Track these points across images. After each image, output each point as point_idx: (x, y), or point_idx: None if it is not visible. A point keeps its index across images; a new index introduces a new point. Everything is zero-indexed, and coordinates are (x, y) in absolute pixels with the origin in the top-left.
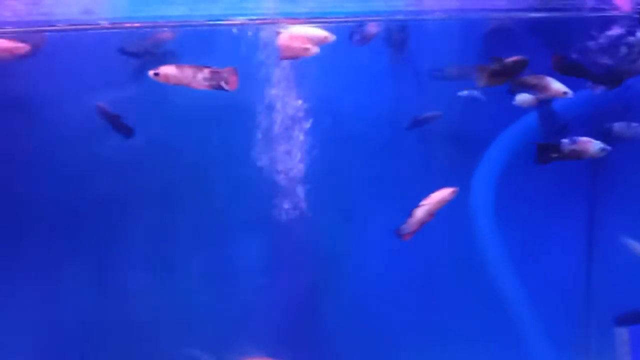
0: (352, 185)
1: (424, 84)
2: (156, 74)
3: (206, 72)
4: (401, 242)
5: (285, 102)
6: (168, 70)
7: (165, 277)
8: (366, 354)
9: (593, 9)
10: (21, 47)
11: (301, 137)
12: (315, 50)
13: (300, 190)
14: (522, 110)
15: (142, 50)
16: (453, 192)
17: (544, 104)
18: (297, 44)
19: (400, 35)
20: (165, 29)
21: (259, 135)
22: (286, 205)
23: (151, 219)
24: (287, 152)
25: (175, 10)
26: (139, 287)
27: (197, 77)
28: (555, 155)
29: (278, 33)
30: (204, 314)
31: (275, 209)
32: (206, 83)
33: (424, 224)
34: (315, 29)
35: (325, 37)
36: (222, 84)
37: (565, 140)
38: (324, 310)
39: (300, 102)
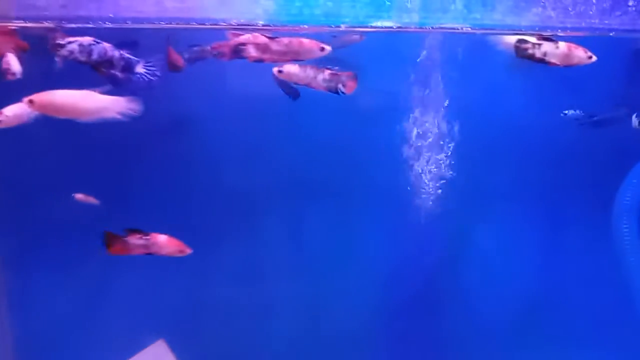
0: (492, 190)
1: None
2: (280, 72)
3: (326, 74)
4: (535, 247)
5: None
6: (291, 68)
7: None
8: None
9: None
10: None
11: (447, 141)
12: (595, 58)
13: (440, 192)
14: None
15: None
16: None
17: None
18: (580, 54)
19: None
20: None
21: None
22: (426, 206)
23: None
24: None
25: (408, 18)
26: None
27: (317, 78)
28: None
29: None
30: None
31: (415, 209)
32: (324, 85)
33: None
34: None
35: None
36: (340, 86)
37: None
38: (457, 311)
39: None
